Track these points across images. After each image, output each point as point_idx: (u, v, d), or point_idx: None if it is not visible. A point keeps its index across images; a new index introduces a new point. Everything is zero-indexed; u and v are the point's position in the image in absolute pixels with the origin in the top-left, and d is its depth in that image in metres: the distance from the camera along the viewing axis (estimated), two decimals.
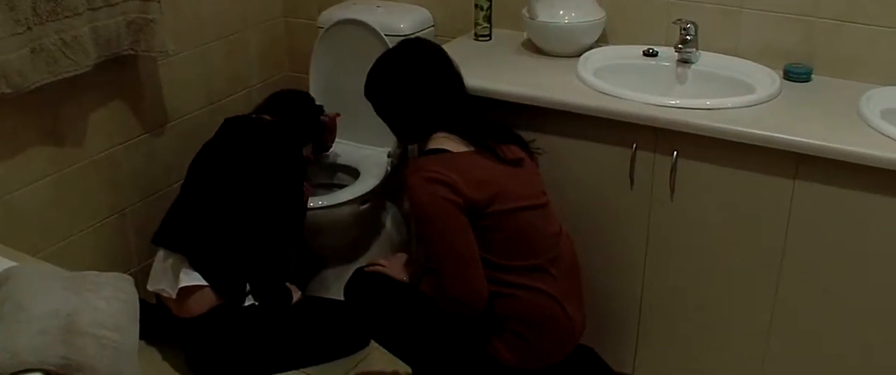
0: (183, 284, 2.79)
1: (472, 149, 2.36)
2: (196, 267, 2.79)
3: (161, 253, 2.87)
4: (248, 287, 2.85)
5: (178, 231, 2.84)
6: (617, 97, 2.55)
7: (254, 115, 3.05)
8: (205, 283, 2.79)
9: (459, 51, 2.81)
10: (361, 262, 3.27)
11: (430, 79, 2.42)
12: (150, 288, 2.87)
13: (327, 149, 3.30)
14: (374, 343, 3.04)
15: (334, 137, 3.28)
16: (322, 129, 3.20)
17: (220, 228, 2.81)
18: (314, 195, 3.08)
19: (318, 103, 3.20)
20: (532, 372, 2.46)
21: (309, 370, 2.99)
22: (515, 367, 2.39)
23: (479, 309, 2.33)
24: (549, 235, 2.40)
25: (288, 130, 3.00)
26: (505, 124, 2.52)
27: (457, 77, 2.47)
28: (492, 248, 2.32)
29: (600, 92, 2.59)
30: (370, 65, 2.48)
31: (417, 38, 2.66)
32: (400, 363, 2.70)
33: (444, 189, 2.25)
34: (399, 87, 2.43)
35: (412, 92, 2.41)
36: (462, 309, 2.34)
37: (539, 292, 2.35)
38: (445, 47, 2.56)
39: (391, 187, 3.39)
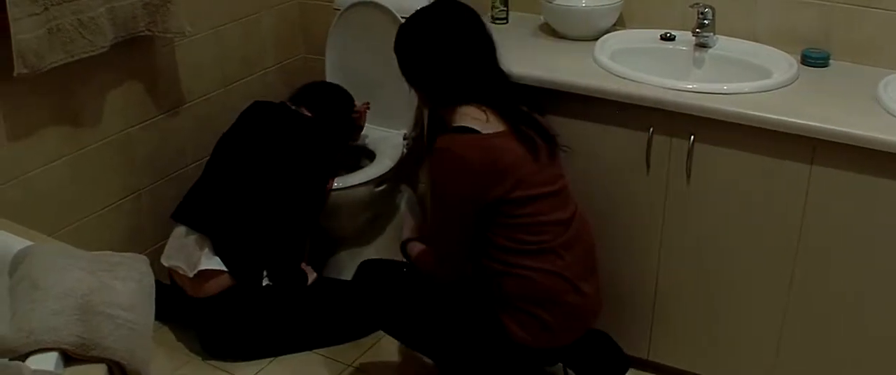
0: (203, 267, 2.79)
1: (503, 129, 2.32)
2: (218, 252, 2.80)
3: (181, 229, 2.86)
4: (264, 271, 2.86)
5: (204, 210, 2.84)
6: (634, 81, 2.55)
7: (293, 107, 3.05)
8: (224, 269, 2.79)
9: None
10: (376, 244, 3.28)
11: (461, 40, 2.38)
12: (164, 262, 2.87)
13: (350, 145, 3.29)
14: None
15: (361, 132, 3.27)
16: (354, 127, 3.20)
17: (247, 215, 2.82)
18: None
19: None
20: (549, 352, 2.47)
21: (321, 351, 3.00)
22: (531, 345, 2.39)
23: (445, 283, 2.45)
24: (562, 220, 2.39)
25: (328, 131, 3.01)
26: (536, 114, 2.48)
27: (490, 44, 2.42)
28: (503, 232, 2.32)
29: (617, 75, 2.59)
30: (386, 48, 2.46)
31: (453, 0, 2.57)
32: None
33: (467, 177, 2.25)
34: (428, 46, 2.38)
35: (441, 52, 2.37)
36: (432, 277, 2.46)
37: (548, 273, 2.34)
38: None
39: (406, 169, 3.39)
